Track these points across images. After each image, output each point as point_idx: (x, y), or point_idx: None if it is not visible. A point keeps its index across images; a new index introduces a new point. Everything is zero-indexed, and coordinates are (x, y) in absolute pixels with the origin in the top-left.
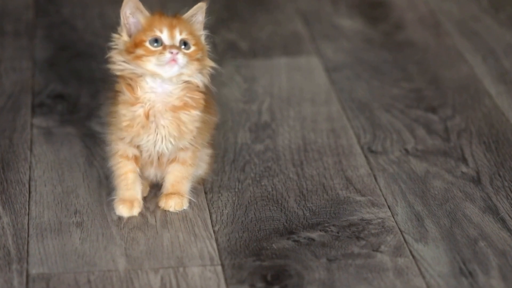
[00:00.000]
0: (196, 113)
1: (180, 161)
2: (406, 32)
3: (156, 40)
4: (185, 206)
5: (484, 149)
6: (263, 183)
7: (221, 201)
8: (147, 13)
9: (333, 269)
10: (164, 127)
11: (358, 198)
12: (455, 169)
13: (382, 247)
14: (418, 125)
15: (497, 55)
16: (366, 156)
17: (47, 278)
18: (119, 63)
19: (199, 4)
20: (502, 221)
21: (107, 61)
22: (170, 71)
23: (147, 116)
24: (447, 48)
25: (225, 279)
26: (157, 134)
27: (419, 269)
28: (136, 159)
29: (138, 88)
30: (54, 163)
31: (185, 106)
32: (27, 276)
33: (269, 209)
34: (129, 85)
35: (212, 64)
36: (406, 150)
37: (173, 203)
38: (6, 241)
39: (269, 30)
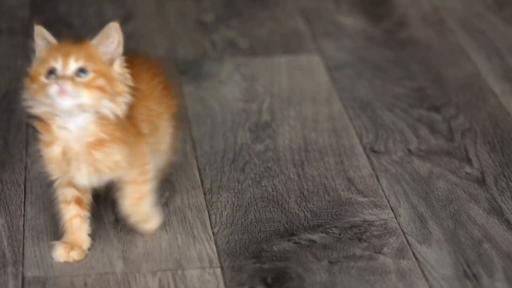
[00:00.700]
0: (111, 149)
1: (129, 182)
2: (409, 30)
3: (52, 72)
4: (155, 225)
5: (489, 149)
6: (263, 184)
7: (221, 202)
8: (53, 41)
9: (335, 272)
10: (82, 167)
11: (360, 199)
12: (459, 170)
13: (385, 249)
14: (421, 125)
15: (502, 53)
16: (368, 156)
17: (43, 281)
18: (28, 102)
19: (110, 24)
20: (507, 222)
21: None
22: (63, 103)
23: (64, 156)
24: (450, 46)
25: (225, 282)
26: (80, 171)
27: (422, 271)
28: (78, 200)
29: (53, 126)
30: None
31: (100, 143)
32: (23, 279)
33: (270, 210)
34: (45, 123)
35: (124, 89)
36: (409, 150)
37: (147, 226)
38: (1, 243)
39: (269, 27)
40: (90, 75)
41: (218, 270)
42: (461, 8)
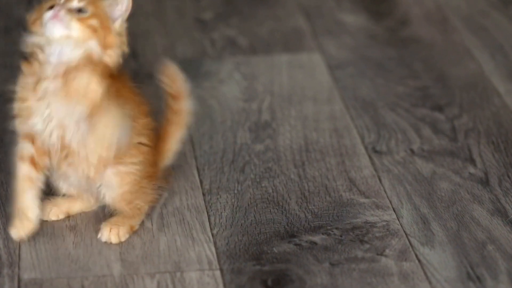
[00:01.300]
0: (87, 74)
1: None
2: (411, 28)
3: (52, 7)
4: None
5: (493, 149)
6: (263, 185)
7: (220, 203)
8: None
9: (336, 274)
10: (53, 93)
11: (362, 200)
12: (462, 170)
13: (387, 251)
14: (424, 125)
15: (506, 51)
16: (370, 157)
17: (40, 283)
18: (24, 40)
19: None
20: None
21: None
22: (53, 28)
23: (36, 82)
24: (454, 44)
25: (224, 284)
26: (47, 107)
27: (425, 273)
28: (33, 161)
29: (36, 62)
30: None
31: (74, 68)
32: (19, 281)
33: (270, 211)
34: (29, 62)
35: (116, 40)
36: (412, 150)
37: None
38: None
39: (269, 25)
40: (85, 14)
41: (218, 273)
42: (464, 6)
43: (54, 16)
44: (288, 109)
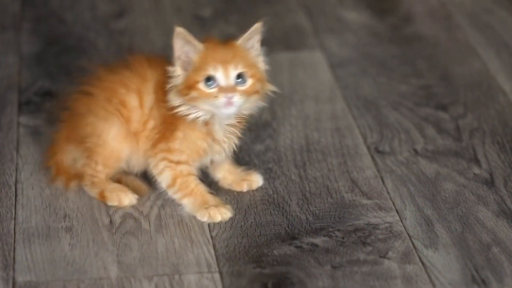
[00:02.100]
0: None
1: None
2: (415, 26)
3: (210, 79)
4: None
5: (498, 149)
6: (263, 186)
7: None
8: (198, 44)
9: (338, 277)
10: (229, 141)
11: (364, 201)
12: (467, 171)
13: (390, 253)
14: (428, 124)
15: None
16: (372, 157)
17: (35, 286)
18: (179, 107)
19: (256, 25)
20: None
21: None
22: (228, 112)
23: (218, 142)
24: (458, 42)
25: (223, 287)
26: (223, 151)
27: (429, 276)
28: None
29: (210, 125)
30: (42, 165)
31: (238, 123)
32: (14, 284)
33: (270, 213)
34: (205, 125)
35: (271, 87)
36: (415, 150)
37: (258, 176)
38: None
39: (270, 23)
40: (248, 82)
41: (217, 275)
42: (469, 3)
43: (228, 104)
44: (289, 108)
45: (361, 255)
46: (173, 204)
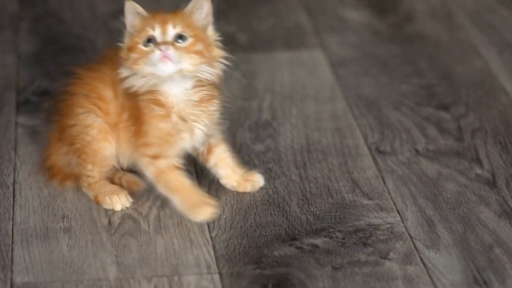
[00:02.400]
0: (216, 102)
1: (216, 144)
2: (416, 25)
3: (149, 40)
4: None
5: (500, 149)
6: (263, 186)
7: (219, 205)
8: (144, 13)
9: (339, 278)
10: (198, 123)
11: (365, 201)
12: (468, 171)
13: (391, 254)
14: (429, 124)
15: None
16: (373, 157)
17: (33, 287)
18: (127, 80)
19: None
20: None
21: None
22: (165, 68)
23: (182, 118)
24: (460, 41)
25: None
26: (194, 132)
27: (431, 278)
28: (175, 167)
29: (161, 98)
30: (40, 165)
31: (205, 100)
32: (12, 285)
33: (270, 213)
34: (152, 99)
35: (220, 53)
36: (417, 150)
37: (260, 177)
38: None
39: (270, 22)
40: (188, 41)
41: (216, 276)
42: (471, 2)
43: (164, 57)
44: (289, 108)
45: (362, 256)
46: (173, 205)
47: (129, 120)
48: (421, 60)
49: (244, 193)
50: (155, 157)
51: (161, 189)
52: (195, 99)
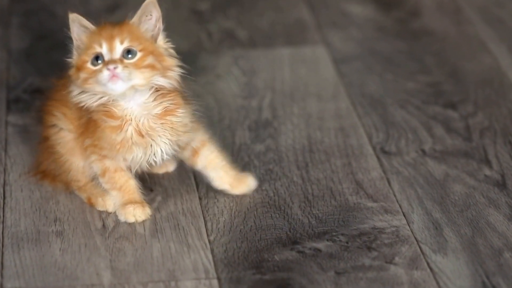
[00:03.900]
0: (182, 111)
1: (202, 145)
2: (423, 20)
3: (97, 57)
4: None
5: (510, 149)
6: (264, 188)
7: (217, 207)
8: (90, 26)
9: (342, 283)
10: (160, 136)
11: (370, 204)
12: (477, 172)
13: (396, 258)
14: (436, 123)
15: None
16: (378, 158)
17: None
18: (78, 96)
19: (147, 2)
20: None
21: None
22: (116, 88)
23: (139, 133)
24: (468, 37)
25: None
26: (152, 146)
27: (438, 283)
28: (128, 170)
29: (115, 110)
30: (30, 166)
31: (168, 111)
32: None
33: (271, 216)
34: (105, 112)
35: (173, 62)
36: (423, 150)
37: (252, 179)
38: None
39: (270, 17)
40: (137, 55)
41: (215, 282)
42: None
43: (113, 76)
44: (290, 106)
45: (366, 261)
46: (169, 207)
47: (83, 122)
48: (427, 56)
49: (239, 195)
50: (104, 157)
51: (103, 184)
52: (157, 112)
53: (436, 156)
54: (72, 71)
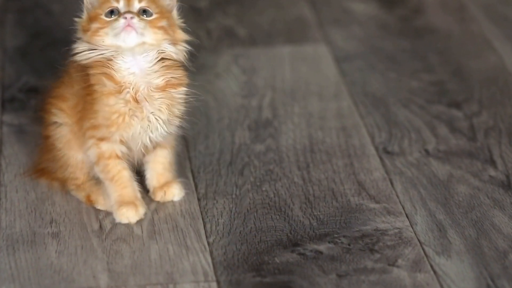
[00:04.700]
0: (183, 90)
1: (163, 146)
2: (426, 17)
3: (112, 12)
4: (184, 192)
5: None
6: (264, 189)
7: (217, 209)
8: None
9: (344, 286)
10: (155, 110)
11: (372, 205)
12: (482, 173)
13: (399, 261)
14: (440, 123)
15: None
16: (381, 158)
17: None
18: (83, 53)
19: None
20: None
21: (72, 53)
22: (128, 38)
23: (136, 100)
24: (473, 35)
25: None
26: (149, 119)
27: (441, 286)
28: (121, 157)
29: (115, 73)
30: (27, 166)
31: (171, 85)
32: None
33: (271, 217)
34: (105, 73)
35: (184, 36)
36: (427, 151)
37: (176, 191)
38: None
39: (270, 14)
40: (153, 16)
41: (214, 285)
42: None
43: (127, 26)
44: (291, 105)
45: (369, 263)
46: (168, 209)
47: (80, 104)
48: (431, 55)
49: (241, 195)
50: (102, 139)
51: (98, 172)
52: (158, 83)
53: (440, 156)
54: (81, 24)
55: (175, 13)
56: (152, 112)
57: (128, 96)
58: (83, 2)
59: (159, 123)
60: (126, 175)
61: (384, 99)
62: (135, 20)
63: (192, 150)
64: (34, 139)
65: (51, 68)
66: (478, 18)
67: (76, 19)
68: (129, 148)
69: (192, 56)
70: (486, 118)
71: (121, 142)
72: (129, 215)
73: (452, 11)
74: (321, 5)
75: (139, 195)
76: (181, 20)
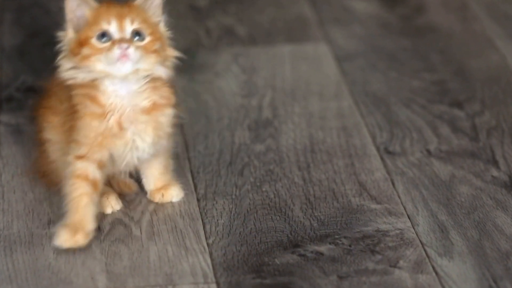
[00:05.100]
0: (169, 111)
1: (155, 154)
2: (428, 16)
3: (104, 35)
4: (183, 193)
5: None
6: (264, 189)
7: (216, 209)
8: (94, 3)
9: None
10: (140, 132)
11: (373, 206)
12: (484, 173)
13: (401, 262)
14: (442, 123)
15: None
16: (382, 158)
17: None
18: (68, 72)
19: None
20: None
21: (56, 68)
22: (123, 68)
23: (120, 125)
24: (475, 34)
25: None
26: (133, 141)
27: (443, 287)
28: (94, 183)
29: (101, 95)
30: (25, 166)
31: (157, 106)
32: None
33: (271, 218)
34: (89, 95)
35: (174, 53)
36: (428, 151)
37: (174, 192)
38: None
39: (270, 13)
40: (146, 39)
41: (214, 286)
42: None
43: (123, 56)
44: (291, 105)
45: (370, 264)
46: (166, 209)
47: (66, 121)
48: (433, 54)
49: (240, 195)
50: (78, 157)
51: (64, 188)
52: (144, 105)
53: (441, 156)
54: (71, 45)
55: (162, 25)
56: (136, 135)
57: (112, 120)
58: (66, 16)
59: (144, 145)
60: (84, 201)
61: (385, 98)
62: (131, 50)
63: (191, 150)
64: (32, 139)
65: (49, 67)
66: (480, 16)
67: (60, 33)
68: (113, 165)
69: (191, 55)
70: (489, 118)
71: (100, 163)
72: (63, 238)
73: (454, 10)
74: (321, 3)
75: (89, 226)
76: (168, 32)
